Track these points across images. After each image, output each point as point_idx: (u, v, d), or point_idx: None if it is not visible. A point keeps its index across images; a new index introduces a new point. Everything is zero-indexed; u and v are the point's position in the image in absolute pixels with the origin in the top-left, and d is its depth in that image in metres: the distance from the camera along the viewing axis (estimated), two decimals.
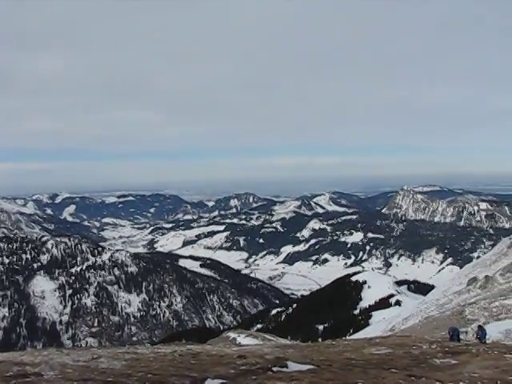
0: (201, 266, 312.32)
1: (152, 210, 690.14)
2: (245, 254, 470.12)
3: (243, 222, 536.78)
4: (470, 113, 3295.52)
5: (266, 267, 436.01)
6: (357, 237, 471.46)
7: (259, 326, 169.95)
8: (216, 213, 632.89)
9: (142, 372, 13.06)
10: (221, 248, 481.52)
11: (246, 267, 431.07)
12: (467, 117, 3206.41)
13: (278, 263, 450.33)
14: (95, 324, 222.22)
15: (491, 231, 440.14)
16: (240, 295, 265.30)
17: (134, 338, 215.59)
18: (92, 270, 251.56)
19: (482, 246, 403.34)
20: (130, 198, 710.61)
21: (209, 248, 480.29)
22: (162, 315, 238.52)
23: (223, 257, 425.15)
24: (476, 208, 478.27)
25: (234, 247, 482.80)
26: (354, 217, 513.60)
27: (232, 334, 79.05)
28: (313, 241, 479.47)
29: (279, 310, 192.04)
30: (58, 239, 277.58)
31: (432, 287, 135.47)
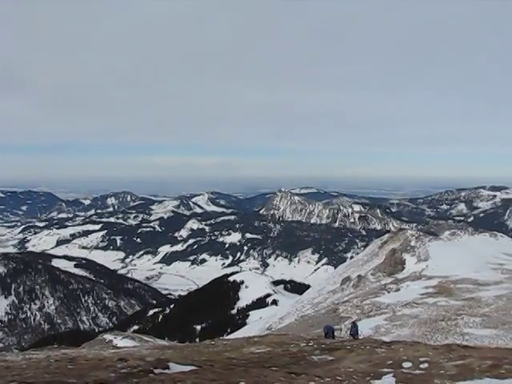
0: (75, 266, 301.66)
1: (24, 208, 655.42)
2: (121, 254, 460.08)
3: (120, 221, 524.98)
4: (347, 117, 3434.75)
5: (143, 267, 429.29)
6: (235, 237, 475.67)
7: (136, 327, 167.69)
8: (92, 211, 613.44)
9: (13, 381, 12.30)
10: (97, 248, 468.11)
11: (122, 267, 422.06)
12: (344, 121, 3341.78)
13: (155, 263, 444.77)
14: None
15: (364, 232, 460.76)
16: (116, 296, 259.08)
17: (1, 344, 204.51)
18: None
19: (356, 247, 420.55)
20: (0, 195, 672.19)
21: (84, 248, 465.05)
22: (32, 318, 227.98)
23: (99, 257, 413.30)
24: (350, 210, 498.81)
25: (111, 247, 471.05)
26: (233, 217, 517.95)
27: (108, 336, 77.22)
28: (191, 241, 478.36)
29: (156, 310, 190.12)
30: None
31: (308, 287, 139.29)
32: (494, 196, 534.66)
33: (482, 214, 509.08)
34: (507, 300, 46.12)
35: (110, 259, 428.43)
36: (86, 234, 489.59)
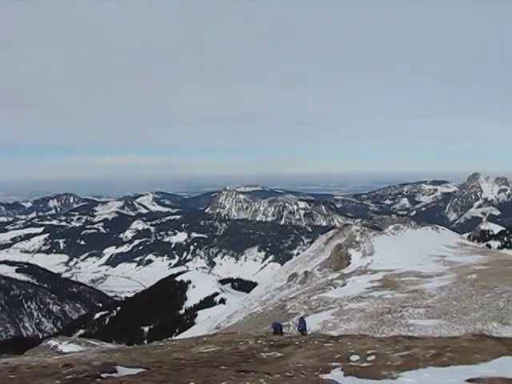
0: (17, 271, 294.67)
1: None
2: (65, 257, 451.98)
3: (63, 223, 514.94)
4: (290, 115, 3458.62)
5: (88, 270, 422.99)
6: (181, 237, 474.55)
7: (82, 331, 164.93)
8: (34, 214, 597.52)
9: None
10: (39, 251, 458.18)
11: (66, 270, 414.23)
12: (287, 119, 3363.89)
13: (100, 265, 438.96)
14: None
15: (309, 229, 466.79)
16: (61, 300, 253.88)
17: None
18: None
19: (301, 244, 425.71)
20: None
21: (26, 252, 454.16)
22: None
23: (42, 260, 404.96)
24: (295, 207, 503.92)
25: (54, 250, 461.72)
26: (178, 217, 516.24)
27: (53, 342, 75.22)
28: (136, 241, 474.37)
29: (103, 313, 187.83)
30: None
31: (255, 284, 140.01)
32: (435, 190, 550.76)
33: (423, 208, 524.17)
34: (449, 291, 47.35)
35: (53, 263, 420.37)
36: (28, 237, 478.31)
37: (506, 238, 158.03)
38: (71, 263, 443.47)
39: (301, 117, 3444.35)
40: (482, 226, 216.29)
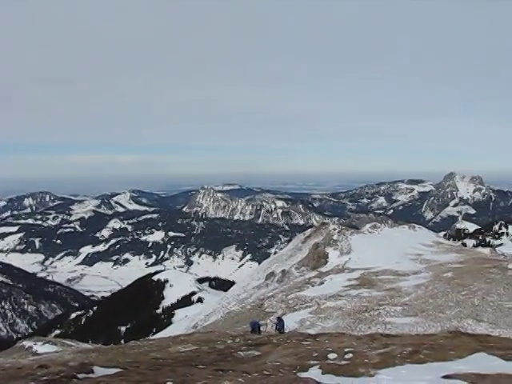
0: None
1: None
2: (41, 256, 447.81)
3: (39, 222, 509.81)
4: (269, 114, 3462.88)
5: (64, 269, 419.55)
6: (158, 236, 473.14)
7: (58, 331, 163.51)
8: (8, 213, 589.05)
9: None
10: (14, 251, 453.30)
11: (42, 270, 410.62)
12: (265, 117, 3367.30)
13: (76, 264, 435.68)
14: None
15: (287, 228, 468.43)
16: (36, 300, 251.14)
17: None
18: None
19: (279, 242, 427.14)
20: None
21: (0, 251, 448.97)
22: None
23: (17, 260, 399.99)
24: (273, 206, 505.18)
25: (29, 249, 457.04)
26: (155, 216, 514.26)
27: (28, 343, 74.32)
28: (113, 240, 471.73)
29: (79, 313, 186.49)
30: None
31: (233, 283, 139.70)
32: (412, 189, 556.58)
33: (400, 207, 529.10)
34: (425, 289, 47.75)
35: (28, 262, 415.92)
36: (2, 236, 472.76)
37: (480, 237, 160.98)
38: (47, 262, 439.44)
39: (278, 115, 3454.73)
40: (458, 225, 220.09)
